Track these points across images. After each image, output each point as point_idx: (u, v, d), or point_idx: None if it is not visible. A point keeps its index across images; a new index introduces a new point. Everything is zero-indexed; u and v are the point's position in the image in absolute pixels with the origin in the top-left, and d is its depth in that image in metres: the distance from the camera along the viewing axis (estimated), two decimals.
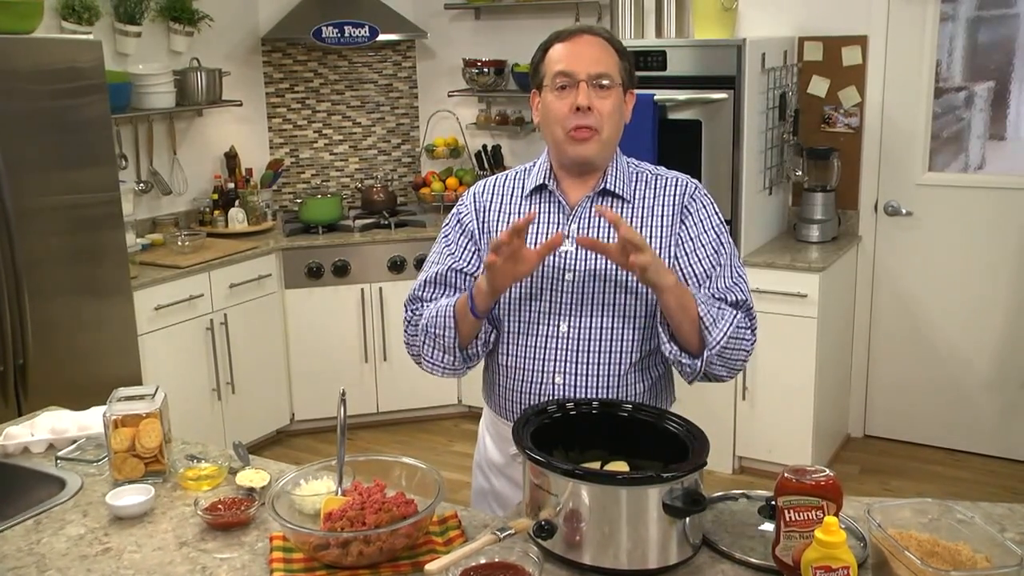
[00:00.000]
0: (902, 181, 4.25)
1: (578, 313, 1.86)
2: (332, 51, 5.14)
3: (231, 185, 4.79)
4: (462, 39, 5.15)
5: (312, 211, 4.74)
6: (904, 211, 4.26)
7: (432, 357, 1.92)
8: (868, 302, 4.41)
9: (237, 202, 4.72)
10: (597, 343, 1.86)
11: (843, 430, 4.50)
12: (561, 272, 1.86)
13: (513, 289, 1.87)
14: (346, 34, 4.77)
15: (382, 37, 4.85)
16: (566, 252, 1.87)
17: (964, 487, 4.04)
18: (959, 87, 4.20)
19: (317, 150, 5.28)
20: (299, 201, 4.88)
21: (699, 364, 1.79)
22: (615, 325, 1.85)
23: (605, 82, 1.82)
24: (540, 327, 1.88)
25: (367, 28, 4.79)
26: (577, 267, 1.86)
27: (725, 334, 1.77)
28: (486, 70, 4.95)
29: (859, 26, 4.17)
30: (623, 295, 1.85)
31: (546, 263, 1.86)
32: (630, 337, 1.86)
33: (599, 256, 1.84)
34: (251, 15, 5.00)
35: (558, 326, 1.86)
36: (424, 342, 1.92)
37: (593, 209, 1.88)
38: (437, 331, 1.88)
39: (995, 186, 4.09)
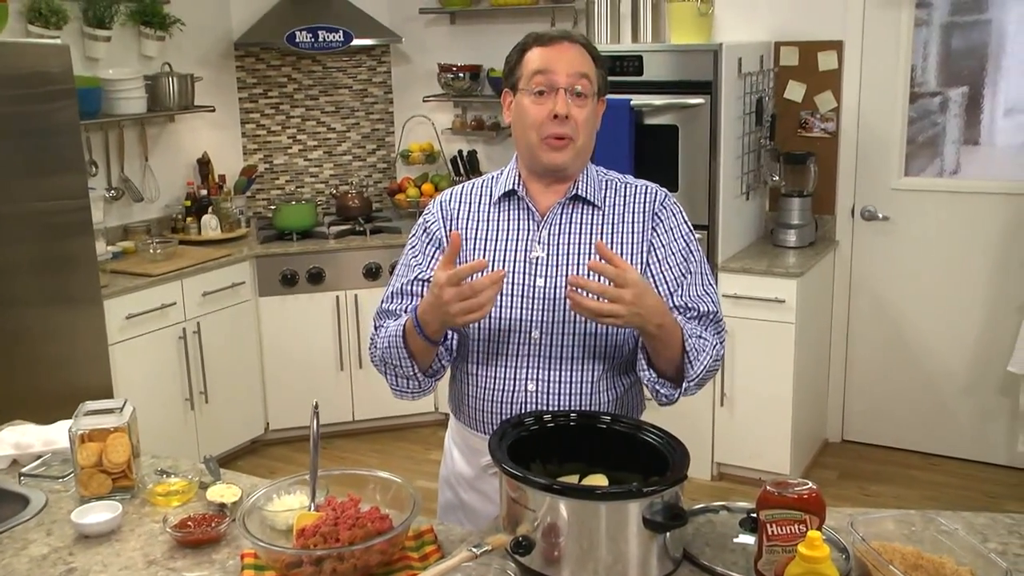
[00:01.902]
0: (878, 186, 4.26)
1: (550, 319, 1.83)
2: (306, 56, 5.10)
3: (204, 192, 4.73)
4: (437, 44, 5.11)
5: (286, 218, 4.69)
6: (881, 216, 4.27)
7: (397, 385, 1.90)
8: (845, 307, 4.41)
9: (210, 209, 4.67)
10: (570, 349, 1.83)
11: (821, 435, 4.50)
12: (533, 279, 1.83)
13: None
14: (320, 39, 4.73)
15: (357, 42, 4.81)
16: (537, 258, 1.84)
17: (941, 491, 4.05)
18: (934, 92, 4.22)
19: (291, 156, 5.23)
20: (273, 208, 4.83)
21: (677, 395, 1.79)
22: (588, 331, 1.83)
23: (582, 90, 1.80)
24: (511, 335, 1.85)
25: (341, 33, 4.75)
26: (549, 272, 1.83)
27: (705, 367, 1.76)
28: (462, 75, 4.93)
29: (835, 31, 4.18)
30: (596, 298, 1.82)
31: (517, 270, 1.84)
32: (603, 343, 1.84)
33: (571, 261, 1.83)
34: (224, 19, 4.95)
35: (530, 333, 1.83)
36: (385, 372, 1.90)
37: (564, 217, 1.86)
38: (393, 361, 1.85)
39: (970, 191, 4.11)
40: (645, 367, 1.78)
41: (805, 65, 4.25)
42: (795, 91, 4.29)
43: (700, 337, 1.78)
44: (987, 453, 4.25)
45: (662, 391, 1.78)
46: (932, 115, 4.24)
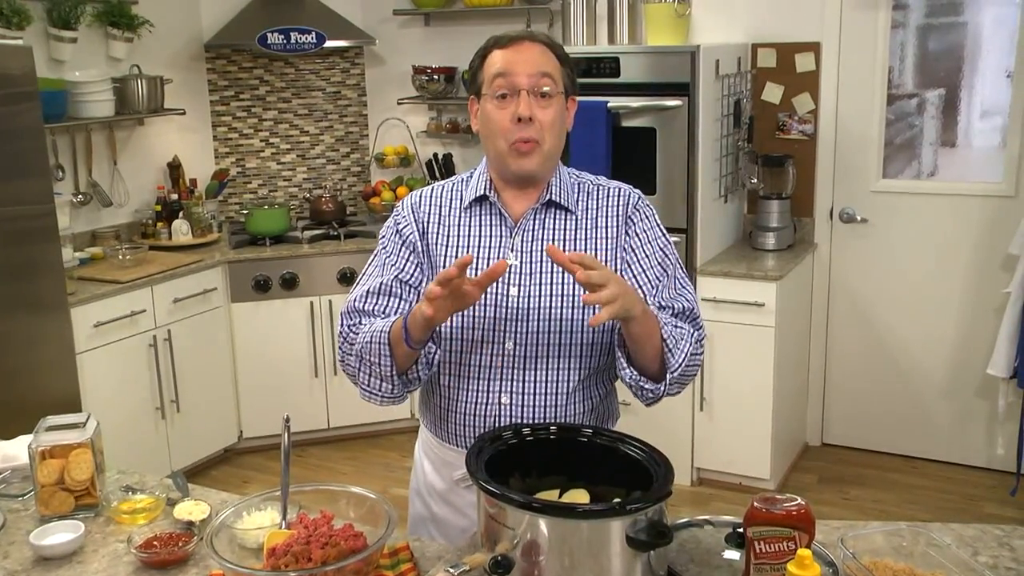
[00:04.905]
0: (857, 188, 4.25)
1: (524, 330, 1.77)
2: (278, 58, 5.02)
3: (174, 196, 4.65)
4: (411, 46, 5.06)
5: (259, 222, 4.61)
6: (859, 218, 4.25)
7: (369, 385, 1.81)
8: (825, 310, 4.39)
9: (181, 214, 4.58)
10: (544, 360, 1.78)
11: (801, 439, 4.47)
12: (506, 287, 1.78)
13: None
14: (292, 40, 4.66)
15: (329, 43, 4.75)
16: (512, 266, 1.79)
17: (921, 494, 4.03)
18: (911, 94, 4.21)
19: (264, 159, 5.15)
20: (245, 212, 4.75)
21: (661, 389, 1.73)
22: (563, 342, 1.78)
23: (546, 89, 1.75)
24: (485, 345, 1.79)
25: (314, 34, 4.68)
26: (522, 282, 1.78)
27: (685, 355, 1.71)
28: (436, 77, 4.87)
29: (812, 33, 4.16)
30: (570, 310, 1.78)
31: None
32: (578, 353, 1.79)
33: (544, 269, 1.78)
34: (194, 21, 4.86)
35: (503, 344, 1.78)
36: (359, 368, 1.80)
37: (538, 223, 1.81)
38: (372, 359, 1.75)
39: (947, 192, 4.10)
40: (625, 366, 1.72)
41: (783, 67, 4.22)
42: (773, 93, 4.27)
43: (677, 327, 1.74)
44: (966, 456, 4.24)
45: (646, 387, 1.73)
46: (909, 117, 4.23)
